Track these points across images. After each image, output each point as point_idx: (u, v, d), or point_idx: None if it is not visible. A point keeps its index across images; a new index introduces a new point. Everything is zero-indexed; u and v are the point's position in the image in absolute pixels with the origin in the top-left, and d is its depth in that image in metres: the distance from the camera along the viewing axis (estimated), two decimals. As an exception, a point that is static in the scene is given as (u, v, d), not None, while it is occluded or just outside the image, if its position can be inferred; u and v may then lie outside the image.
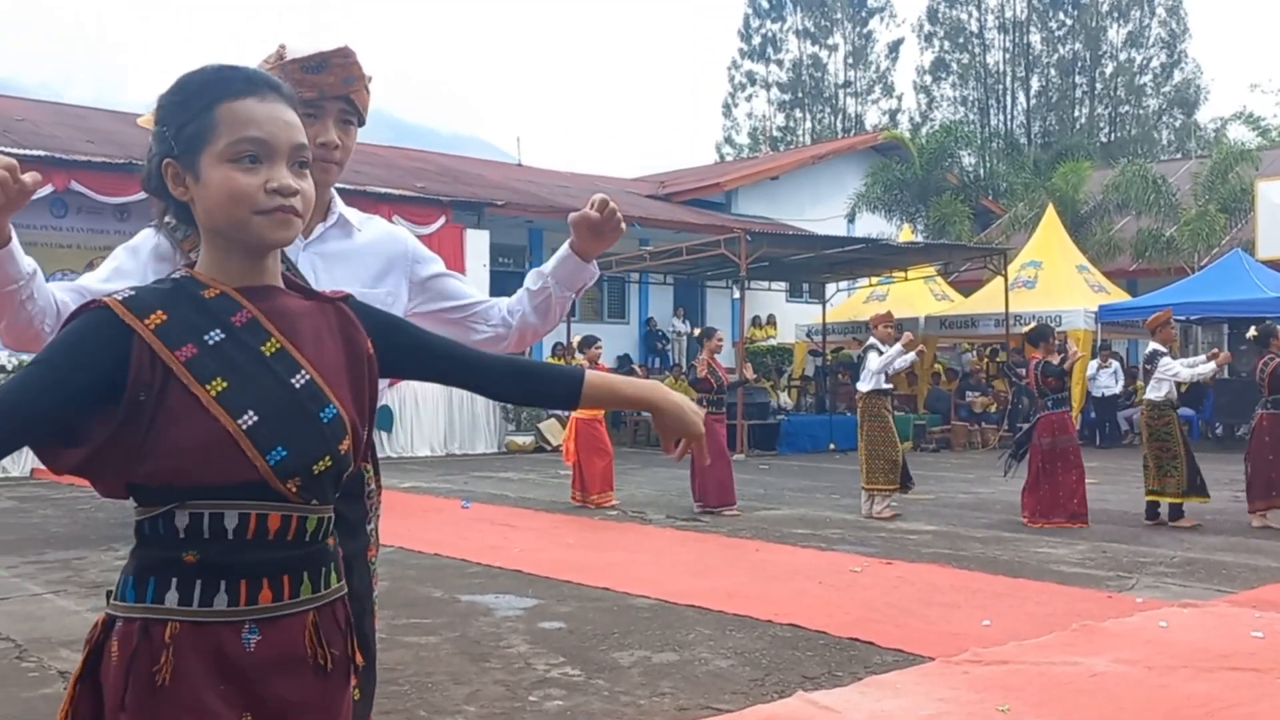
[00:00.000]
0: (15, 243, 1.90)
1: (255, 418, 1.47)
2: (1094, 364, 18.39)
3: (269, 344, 1.53)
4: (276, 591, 1.50)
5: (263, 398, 1.49)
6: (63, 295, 2.07)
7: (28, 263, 1.96)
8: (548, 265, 2.46)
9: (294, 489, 1.50)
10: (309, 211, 1.58)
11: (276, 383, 1.51)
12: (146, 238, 2.18)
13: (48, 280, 2.06)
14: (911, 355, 10.01)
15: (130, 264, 2.17)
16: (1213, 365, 9.70)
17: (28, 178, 1.82)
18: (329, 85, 2.19)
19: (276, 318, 1.55)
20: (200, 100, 1.54)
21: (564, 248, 2.40)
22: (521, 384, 1.80)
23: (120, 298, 1.49)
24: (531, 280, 2.47)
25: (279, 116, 1.55)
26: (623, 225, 2.37)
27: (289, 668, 1.51)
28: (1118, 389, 18.59)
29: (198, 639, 1.45)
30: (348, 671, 1.61)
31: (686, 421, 1.83)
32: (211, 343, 1.49)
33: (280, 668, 1.50)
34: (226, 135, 1.51)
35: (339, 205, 2.33)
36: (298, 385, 1.52)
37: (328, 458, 1.53)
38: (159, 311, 1.48)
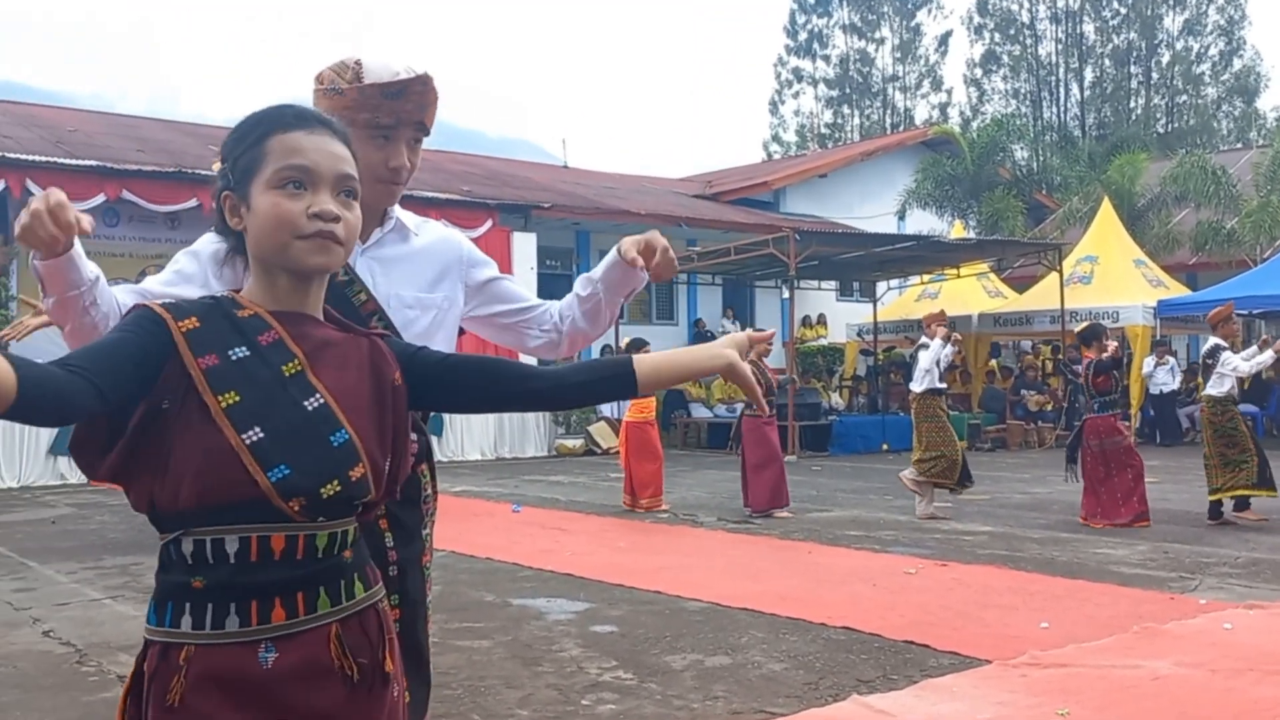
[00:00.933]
0: (78, 249, 1.93)
1: (261, 434, 1.48)
2: (1150, 360, 18.05)
3: (290, 365, 1.55)
4: (290, 609, 1.50)
5: (274, 416, 1.50)
6: (125, 298, 2.10)
7: (90, 269, 1.98)
8: (597, 271, 2.45)
9: (297, 509, 1.50)
10: (352, 240, 1.61)
11: (290, 403, 1.52)
12: (208, 242, 2.20)
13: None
14: (952, 347, 9.90)
15: (191, 266, 2.20)
16: (1270, 353, 9.46)
17: (85, 221, 1.86)
18: (406, 112, 2.21)
19: (303, 341, 1.58)
20: (254, 134, 1.60)
21: (612, 253, 2.39)
22: (584, 392, 1.74)
23: (160, 303, 1.55)
24: (581, 286, 2.47)
25: (325, 148, 1.60)
26: (674, 263, 2.35)
27: (314, 680, 1.51)
28: (1175, 385, 18.22)
29: (213, 661, 1.47)
30: (382, 680, 1.59)
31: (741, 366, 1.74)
32: (234, 357, 1.52)
33: (305, 680, 1.51)
34: (274, 163, 1.57)
35: (396, 210, 2.34)
36: (310, 408, 1.54)
37: (335, 482, 1.53)
38: (193, 318, 1.53)
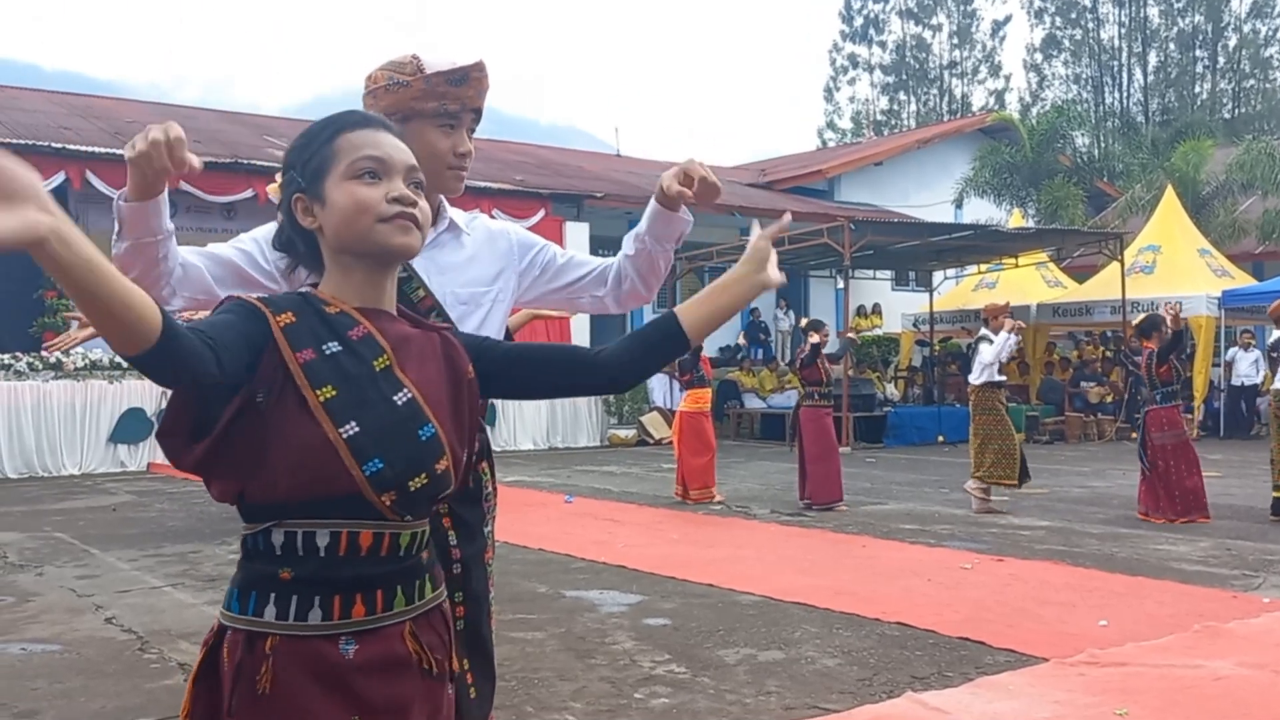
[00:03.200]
0: (165, 197, 1.96)
1: (357, 428, 1.51)
2: (1235, 350, 17.66)
3: (380, 360, 1.59)
4: (370, 606, 1.54)
5: (367, 410, 1.53)
6: (193, 259, 2.12)
7: (169, 222, 2.01)
8: (640, 226, 2.43)
9: (388, 503, 1.54)
10: (427, 227, 1.66)
11: (381, 398, 1.55)
12: (270, 230, 2.23)
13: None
14: (1015, 337, 9.70)
15: (250, 245, 2.21)
16: None
17: (195, 161, 1.87)
18: (469, 98, 2.26)
19: (389, 336, 1.62)
20: (321, 136, 1.65)
21: (651, 203, 2.37)
22: (647, 354, 1.77)
23: (256, 296, 1.59)
24: (629, 245, 2.45)
25: (393, 142, 1.66)
26: (718, 186, 2.29)
27: (393, 672, 1.56)
28: (1259, 378, 17.65)
29: (296, 650, 1.51)
30: (448, 676, 1.66)
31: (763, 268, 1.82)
32: (329, 352, 1.55)
33: (384, 672, 1.55)
34: (348, 158, 1.62)
35: (447, 208, 2.36)
36: (400, 403, 1.57)
37: (424, 475, 1.57)
38: (289, 313, 1.56)
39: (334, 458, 1.50)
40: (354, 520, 1.53)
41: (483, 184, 17.12)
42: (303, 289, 1.65)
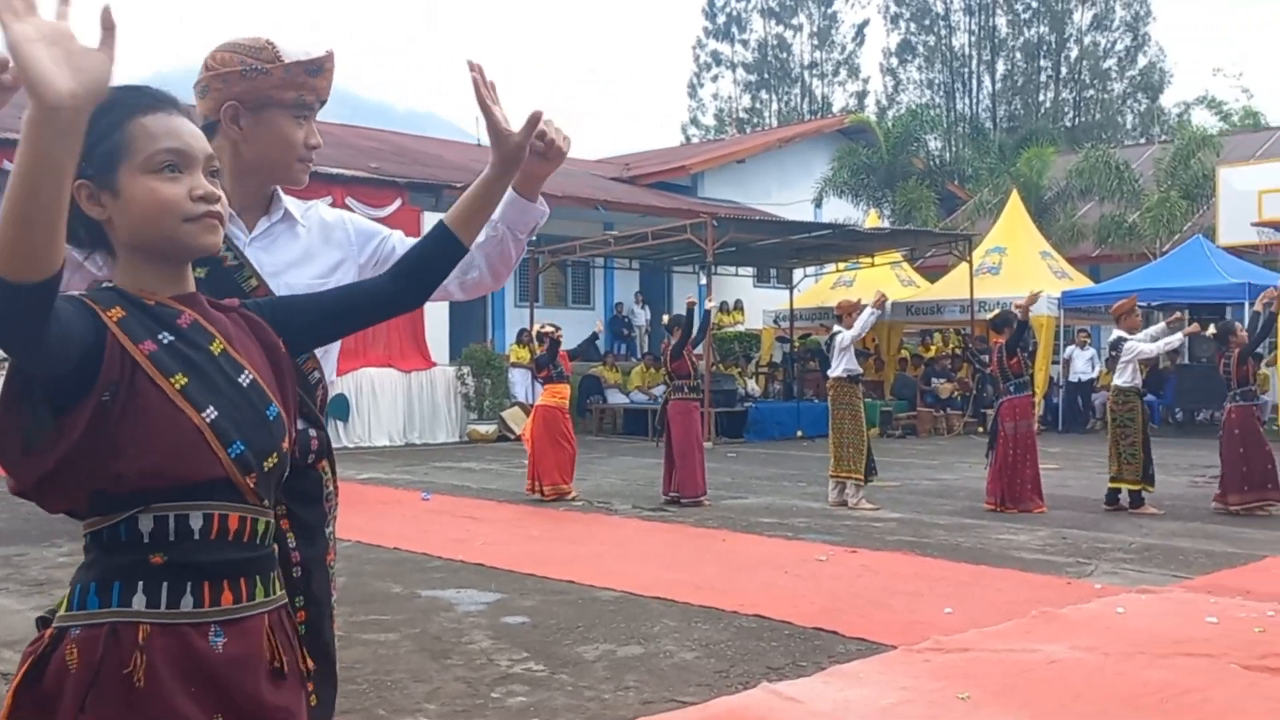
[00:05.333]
0: None
1: (216, 413, 1.51)
2: (1072, 348, 18.53)
3: (215, 345, 1.58)
4: (236, 594, 1.54)
5: (220, 396, 1.54)
6: None
7: None
8: (495, 213, 2.31)
9: (251, 485, 1.55)
10: (227, 219, 1.63)
11: (227, 381, 1.56)
12: None
13: None
14: (876, 312, 9.81)
15: None
16: (1179, 336, 9.67)
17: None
18: (321, 89, 2.21)
19: (212, 321, 1.61)
20: (108, 119, 1.54)
21: (509, 191, 2.26)
22: (419, 263, 1.83)
23: (80, 293, 1.52)
24: (480, 232, 2.40)
25: (190, 129, 1.61)
26: (563, 143, 2.21)
27: (253, 670, 1.55)
28: (1094, 374, 18.66)
29: (168, 641, 1.49)
30: (302, 677, 1.66)
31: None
32: (166, 342, 1.52)
33: (245, 669, 1.54)
34: (145, 147, 1.56)
35: (282, 198, 2.29)
36: (244, 384, 1.58)
37: (275, 455, 1.59)
38: (118, 307, 1.51)
39: (200, 442, 1.49)
40: (223, 503, 1.53)
41: (335, 171, 16.49)
42: (106, 285, 1.59)
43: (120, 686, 1.45)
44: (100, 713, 1.45)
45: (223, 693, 1.51)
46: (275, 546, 1.64)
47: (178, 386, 1.49)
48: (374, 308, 1.82)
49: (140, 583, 1.49)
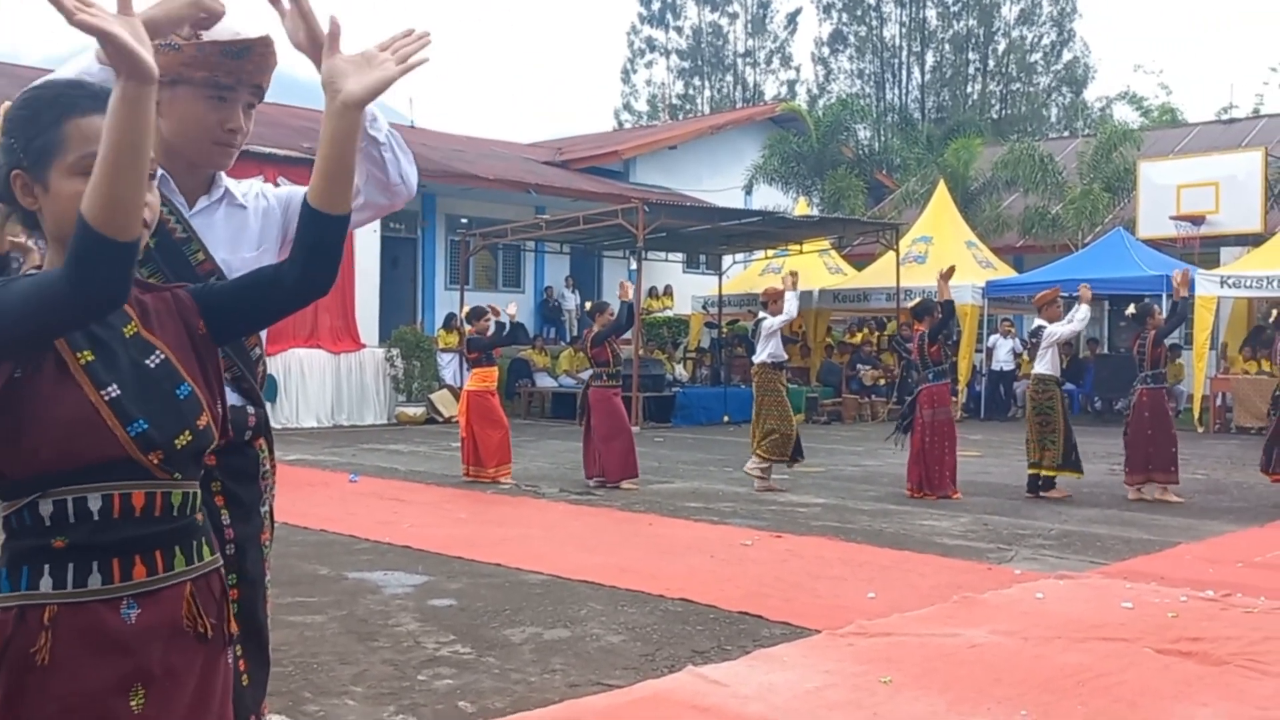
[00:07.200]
0: None
1: (117, 391, 1.55)
2: (995, 336, 18.85)
3: (129, 327, 1.63)
4: (150, 566, 1.57)
5: (124, 373, 1.58)
6: None
7: None
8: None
9: (156, 462, 1.57)
10: (154, 219, 1.64)
11: (132, 362, 1.61)
12: None
13: None
14: (798, 290, 10.08)
15: None
16: (1084, 307, 9.78)
17: None
18: (247, 73, 2.13)
19: (132, 304, 1.65)
20: (48, 115, 1.61)
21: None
22: (303, 250, 1.75)
23: (15, 276, 1.62)
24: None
25: None
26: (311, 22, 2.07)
27: (172, 638, 1.58)
28: (1014, 364, 19.01)
29: (76, 619, 1.52)
30: (225, 640, 1.69)
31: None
32: None
33: (163, 638, 1.57)
34: (76, 150, 1.60)
35: (222, 178, 2.27)
36: (153, 365, 1.62)
37: (187, 432, 1.62)
38: None
39: (98, 421, 1.52)
40: (124, 482, 1.55)
41: (268, 150, 16.31)
42: (32, 271, 1.65)
43: (26, 666, 1.48)
44: (9, 692, 1.48)
45: (139, 663, 1.53)
46: (200, 516, 1.67)
47: (82, 362, 1.54)
48: (283, 300, 1.78)
49: (46, 566, 1.52)
